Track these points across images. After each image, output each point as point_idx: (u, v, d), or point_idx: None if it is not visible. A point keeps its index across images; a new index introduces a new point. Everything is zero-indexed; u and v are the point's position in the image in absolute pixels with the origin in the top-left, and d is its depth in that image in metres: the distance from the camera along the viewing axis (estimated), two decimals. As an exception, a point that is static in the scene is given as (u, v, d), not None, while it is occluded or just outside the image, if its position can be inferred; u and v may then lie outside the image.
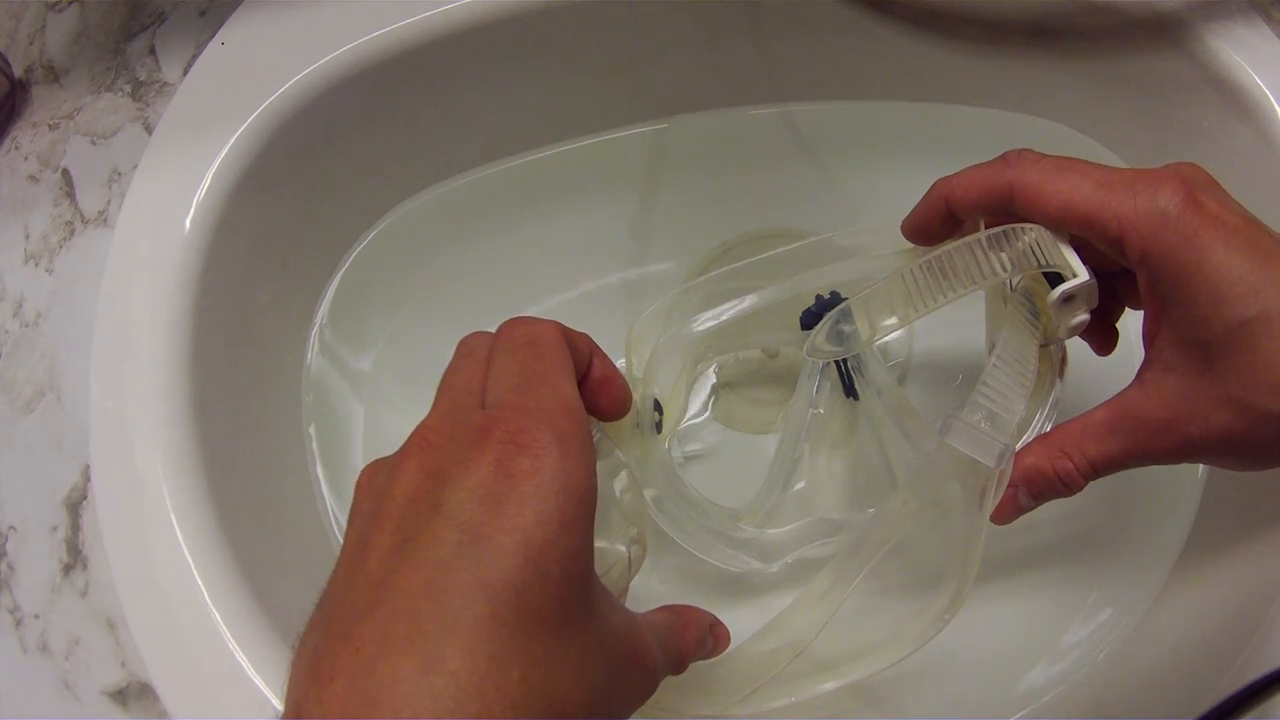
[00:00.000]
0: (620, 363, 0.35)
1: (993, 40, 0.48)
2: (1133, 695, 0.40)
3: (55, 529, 0.40)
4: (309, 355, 0.50)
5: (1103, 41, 0.46)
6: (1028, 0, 0.46)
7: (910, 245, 0.37)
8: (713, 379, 0.51)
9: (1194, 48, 0.43)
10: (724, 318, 0.39)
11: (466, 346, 0.30)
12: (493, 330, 0.31)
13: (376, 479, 0.27)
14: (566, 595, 0.24)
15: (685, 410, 0.49)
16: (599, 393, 0.32)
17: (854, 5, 0.48)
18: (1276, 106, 0.42)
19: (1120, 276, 0.35)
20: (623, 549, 0.33)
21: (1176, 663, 0.39)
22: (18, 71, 0.50)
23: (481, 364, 0.29)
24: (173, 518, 0.38)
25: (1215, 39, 0.43)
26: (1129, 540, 0.45)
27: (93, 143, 0.47)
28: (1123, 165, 0.48)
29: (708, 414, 0.50)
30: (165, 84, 0.47)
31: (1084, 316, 0.33)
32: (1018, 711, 0.42)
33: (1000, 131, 0.52)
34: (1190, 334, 0.30)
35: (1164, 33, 0.44)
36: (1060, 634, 0.43)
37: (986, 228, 0.34)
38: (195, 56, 0.47)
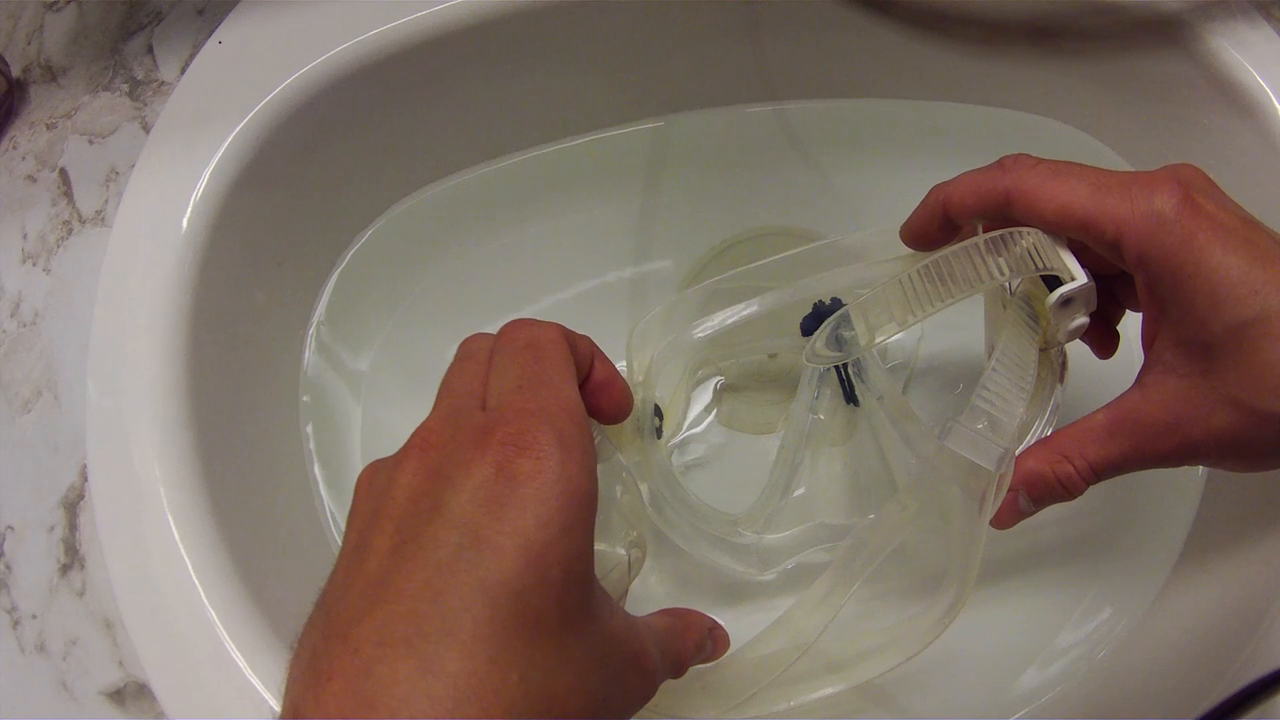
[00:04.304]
0: (620, 365, 0.35)
1: (993, 40, 0.48)
2: (1132, 695, 0.40)
3: (52, 529, 0.40)
4: (306, 355, 0.50)
5: (1104, 41, 0.46)
6: (1028, 0, 0.46)
7: (910, 251, 0.37)
8: (714, 382, 0.51)
9: (1195, 47, 0.43)
10: (724, 324, 0.39)
11: (467, 348, 0.30)
12: (493, 331, 0.31)
13: (376, 480, 0.27)
14: (566, 598, 0.24)
15: (686, 415, 0.49)
16: (600, 395, 0.32)
17: (852, 4, 0.48)
18: (1277, 106, 0.42)
19: (1120, 279, 0.35)
20: (622, 552, 0.32)
21: (1176, 663, 0.39)
22: (15, 71, 0.50)
23: (483, 366, 0.29)
24: (170, 518, 0.38)
25: (1216, 38, 0.43)
26: (1129, 540, 0.45)
27: (90, 142, 0.47)
28: (1124, 164, 0.48)
29: (710, 418, 0.50)
30: (163, 83, 0.47)
31: (1083, 320, 0.33)
32: (1017, 711, 0.42)
33: (1000, 131, 0.52)
34: (1189, 336, 0.30)
35: (1165, 32, 0.44)
36: (1060, 634, 0.43)
37: (984, 233, 0.34)
38: (193, 56, 0.47)
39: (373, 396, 0.51)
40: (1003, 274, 0.33)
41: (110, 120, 0.47)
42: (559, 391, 0.27)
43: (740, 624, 0.35)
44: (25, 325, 0.44)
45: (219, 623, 0.37)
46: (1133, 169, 0.46)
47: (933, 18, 0.48)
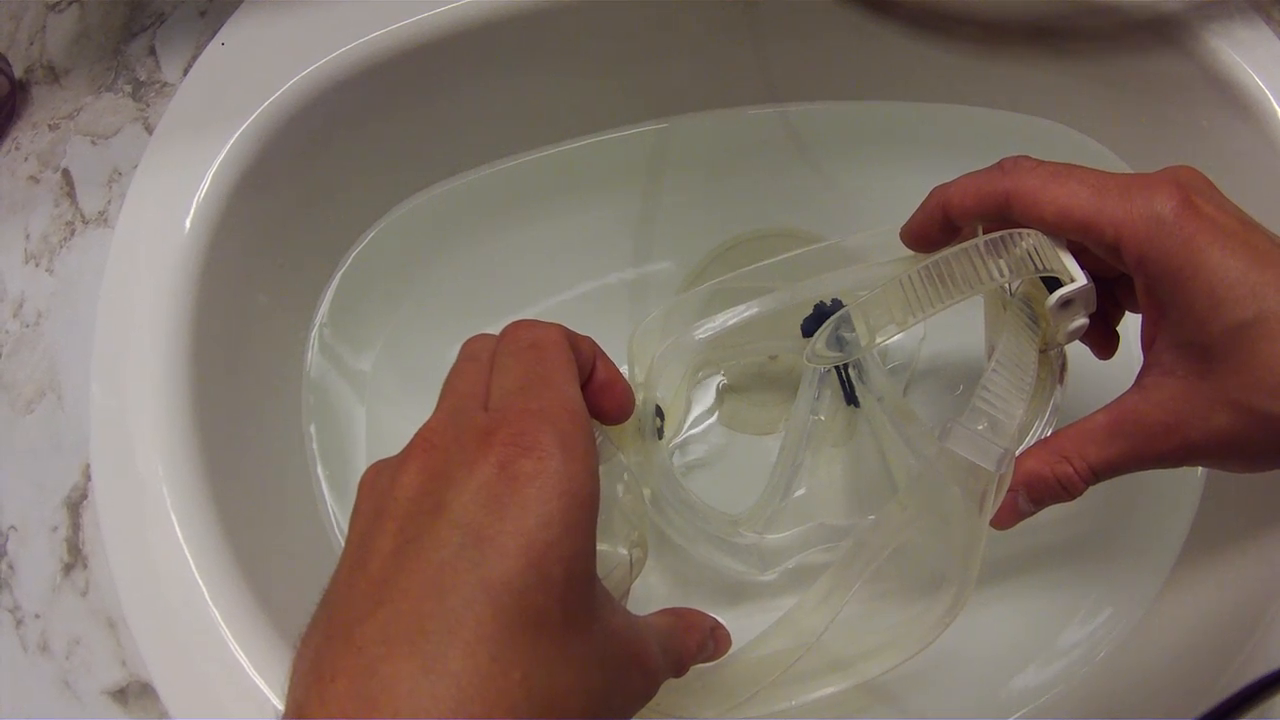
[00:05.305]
0: (622, 366, 0.35)
1: (993, 40, 0.49)
2: (1132, 695, 0.40)
3: (56, 529, 0.40)
4: (309, 355, 0.50)
5: (1103, 42, 0.46)
6: (1028, 0, 0.46)
7: (911, 252, 0.37)
8: (715, 383, 0.51)
9: (1194, 48, 0.43)
10: (725, 325, 0.39)
11: (470, 349, 0.31)
12: (495, 332, 0.31)
13: (379, 480, 0.27)
14: (568, 597, 0.24)
15: (687, 416, 0.49)
16: (602, 396, 0.32)
17: (852, 5, 0.48)
18: (1276, 106, 0.42)
19: (1120, 281, 0.35)
20: (624, 552, 0.33)
21: (1176, 662, 0.39)
22: (18, 72, 0.50)
23: (485, 367, 0.29)
24: (173, 517, 0.38)
25: (1215, 39, 0.43)
26: (1128, 540, 0.45)
27: (93, 143, 0.47)
28: (1123, 166, 0.49)
29: (711, 419, 0.50)
30: (165, 84, 0.47)
31: (1083, 321, 0.33)
32: (1017, 711, 0.42)
33: (1000, 132, 0.52)
34: (1188, 337, 0.30)
35: (1164, 33, 0.44)
36: (1059, 634, 0.43)
37: (984, 235, 0.34)
38: (195, 57, 0.47)
39: (375, 397, 0.51)
40: (1002, 275, 0.33)
41: (113, 121, 0.47)
42: (561, 392, 0.28)
43: (741, 624, 0.35)
44: (28, 326, 0.44)
45: (222, 622, 0.37)
46: (1132, 170, 0.47)
47: (933, 18, 0.48)
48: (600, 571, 0.27)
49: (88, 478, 0.40)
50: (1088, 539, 0.45)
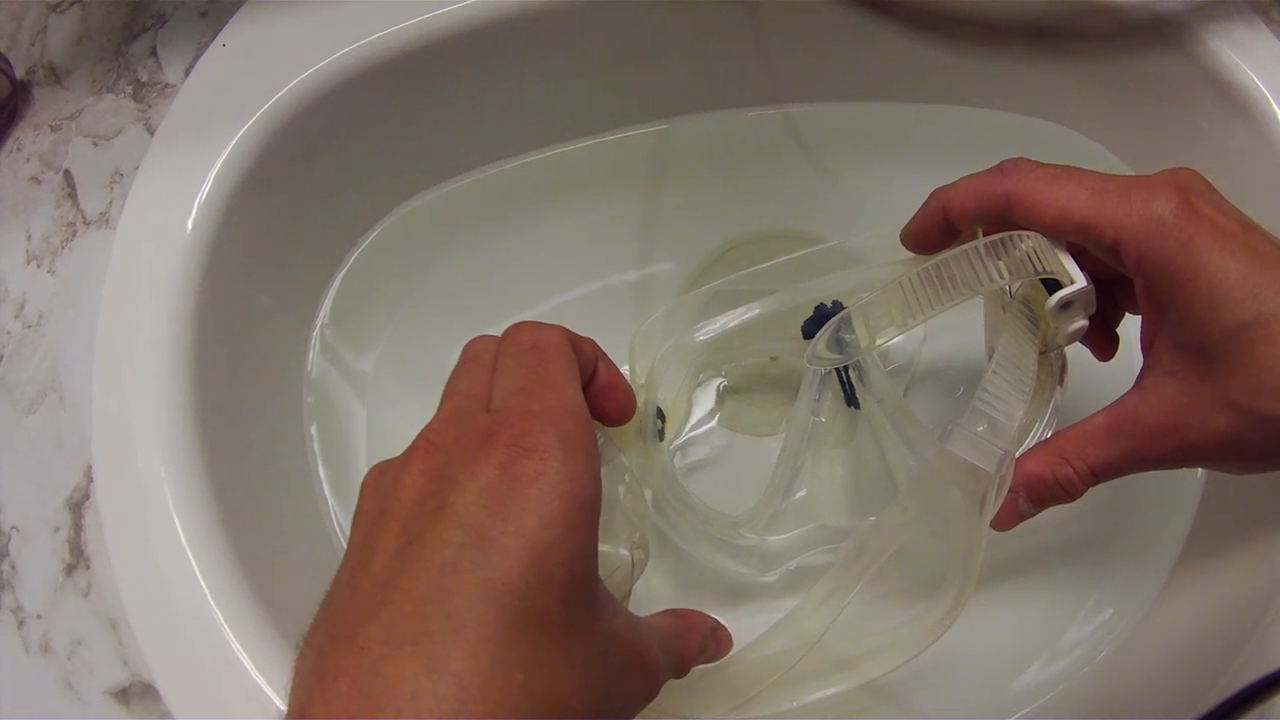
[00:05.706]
0: (623, 368, 0.35)
1: (993, 41, 0.49)
2: (1133, 695, 0.40)
3: (58, 529, 0.40)
4: (310, 356, 0.50)
5: (1103, 42, 0.46)
6: (1028, 1, 0.46)
7: (911, 254, 0.37)
8: (716, 384, 0.51)
9: (1193, 49, 0.44)
10: (726, 327, 0.40)
11: (472, 350, 0.31)
12: (497, 333, 0.31)
13: (382, 481, 0.27)
14: (570, 598, 0.24)
15: (688, 417, 0.49)
16: (604, 398, 0.32)
17: (853, 6, 0.48)
18: (1275, 107, 0.42)
19: (1119, 283, 0.35)
20: (626, 553, 0.33)
21: (1176, 663, 0.39)
22: (19, 73, 0.50)
23: (487, 368, 0.29)
24: (175, 518, 0.39)
25: (1215, 40, 0.43)
26: (1129, 541, 0.45)
27: (94, 144, 0.47)
28: (1122, 166, 0.49)
29: (712, 420, 0.50)
30: (167, 85, 0.47)
31: (1082, 323, 0.33)
32: (1018, 711, 0.42)
33: (1000, 132, 0.52)
34: (1188, 339, 0.30)
35: (1164, 34, 0.44)
36: (1060, 634, 0.44)
37: (984, 237, 0.34)
38: (197, 58, 0.47)
39: (376, 398, 0.51)
40: (1002, 277, 0.33)
41: (114, 122, 0.47)
42: (563, 393, 0.28)
43: (742, 625, 0.36)
44: (30, 327, 0.44)
45: (224, 622, 0.37)
46: (1132, 172, 0.47)
47: (933, 18, 0.49)
48: (602, 572, 0.27)
49: (90, 478, 0.40)
50: (1088, 540, 0.45)
